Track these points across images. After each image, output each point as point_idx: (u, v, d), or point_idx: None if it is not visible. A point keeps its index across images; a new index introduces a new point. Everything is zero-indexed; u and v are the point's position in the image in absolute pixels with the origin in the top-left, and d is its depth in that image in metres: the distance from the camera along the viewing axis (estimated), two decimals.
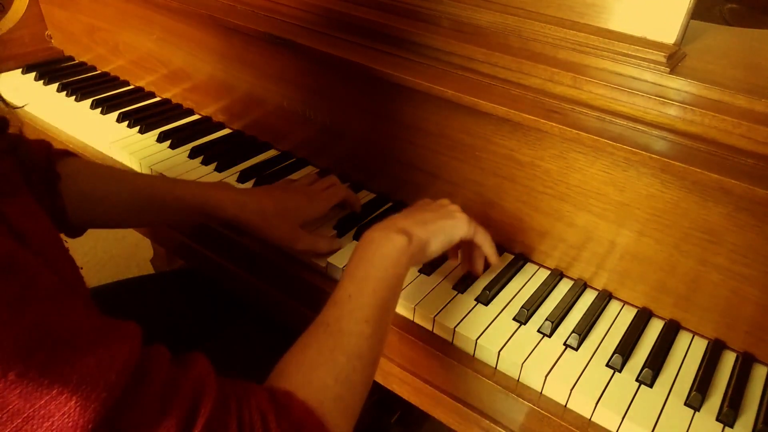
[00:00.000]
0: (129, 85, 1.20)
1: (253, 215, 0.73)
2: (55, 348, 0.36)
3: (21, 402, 0.34)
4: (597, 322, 0.70)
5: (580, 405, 0.61)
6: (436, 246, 0.64)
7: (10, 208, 0.43)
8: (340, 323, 0.54)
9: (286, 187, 0.82)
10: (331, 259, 0.75)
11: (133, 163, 0.95)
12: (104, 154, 1.00)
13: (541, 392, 0.63)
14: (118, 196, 0.74)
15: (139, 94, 1.16)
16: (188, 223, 0.84)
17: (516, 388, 0.63)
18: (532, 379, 0.63)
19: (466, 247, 0.73)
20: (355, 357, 0.52)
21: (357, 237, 0.79)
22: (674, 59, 0.69)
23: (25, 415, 0.34)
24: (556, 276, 0.76)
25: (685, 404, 0.61)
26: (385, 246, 0.59)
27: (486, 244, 0.70)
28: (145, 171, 0.93)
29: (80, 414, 0.35)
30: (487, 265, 0.76)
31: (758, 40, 0.90)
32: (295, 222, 0.75)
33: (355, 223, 0.82)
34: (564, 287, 0.74)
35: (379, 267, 0.58)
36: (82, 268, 0.51)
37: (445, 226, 0.65)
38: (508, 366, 0.64)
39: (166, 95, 1.14)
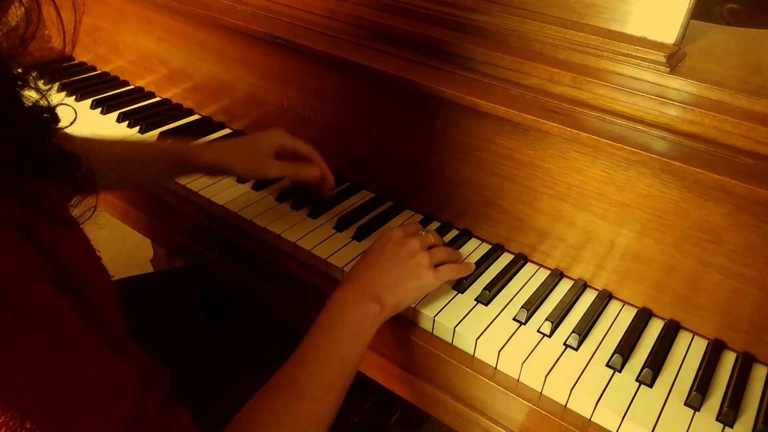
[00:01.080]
0: (129, 85, 1.19)
1: (225, 156, 0.78)
2: (67, 400, 0.37)
3: None
4: (597, 322, 0.70)
5: (580, 405, 0.61)
6: (403, 307, 0.67)
7: (63, 239, 0.44)
8: (307, 387, 0.55)
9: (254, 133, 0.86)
10: (331, 259, 0.75)
11: None
12: None
13: (541, 392, 0.63)
14: (108, 157, 0.77)
15: (139, 94, 1.16)
16: (166, 175, 0.86)
17: (516, 388, 0.63)
18: (532, 379, 0.63)
19: None
20: (314, 424, 0.54)
21: (357, 236, 0.79)
22: (674, 59, 0.69)
23: None
24: (556, 276, 0.76)
25: (685, 404, 0.61)
26: (360, 313, 0.62)
27: (454, 277, 0.72)
28: None
29: None
30: (487, 265, 0.77)
31: (758, 40, 0.90)
32: (265, 154, 0.79)
33: (354, 221, 0.82)
34: (564, 287, 0.74)
35: (351, 333, 0.60)
36: (113, 277, 0.52)
37: (415, 289, 0.67)
38: (508, 366, 0.64)
39: (166, 95, 1.14)
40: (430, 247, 0.71)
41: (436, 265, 0.69)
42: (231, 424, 0.52)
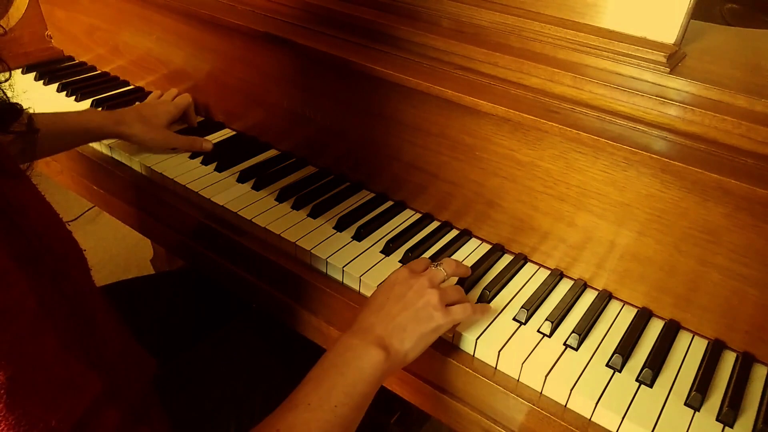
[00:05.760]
0: (129, 85, 1.19)
1: (125, 128, 0.92)
2: (18, 384, 0.36)
3: None
4: (597, 322, 0.70)
5: (580, 405, 0.61)
6: (414, 355, 0.60)
7: (15, 191, 0.43)
8: None
9: (143, 104, 1.02)
10: (331, 260, 0.75)
11: (133, 163, 0.95)
12: (104, 154, 0.99)
13: (541, 392, 0.63)
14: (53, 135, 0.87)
15: (139, 94, 1.16)
16: (81, 143, 0.97)
17: (516, 388, 0.63)
18: (532, 379, 0.63)
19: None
20: None
21: (357, 236, 0.79)
22: (674, 59, 0.69)
23: None
24: (556, 276, 0.76)
25: (685, 404, 0.61)
26: (361, 359, 0.56)
27: (467, 317, 0.65)
28: (145, 171, 0.93)
29: None
30: (488, 265, 0.77)
31: (758, 40, 0.90)
32: (162, 125, 0.96)
33: (354, 221, 0.82)
34: (564, 287, 0.74)
35: (349, 381, 0.54)
36: (85, 250, 0.51)
37: (425, 333, 0.60)
38: (508, 366, 0.64)
39: None
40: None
41: (450, 305, 0.63)
42: None
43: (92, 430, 0.40)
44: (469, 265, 0.76)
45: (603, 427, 0.60)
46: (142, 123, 0.93)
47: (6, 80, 0.46)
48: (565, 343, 0.66)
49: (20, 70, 1.22)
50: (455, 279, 0.72)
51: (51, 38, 1.32)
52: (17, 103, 0.47)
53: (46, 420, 0.37)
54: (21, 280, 0.38)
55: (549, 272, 0.77)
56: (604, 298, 0.73)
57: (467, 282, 0.73)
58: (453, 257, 0.78)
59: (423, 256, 0.78)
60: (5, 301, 0.36)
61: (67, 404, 0.39)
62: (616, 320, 0.70)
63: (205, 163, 0.94)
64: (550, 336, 0.67)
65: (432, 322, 0.61)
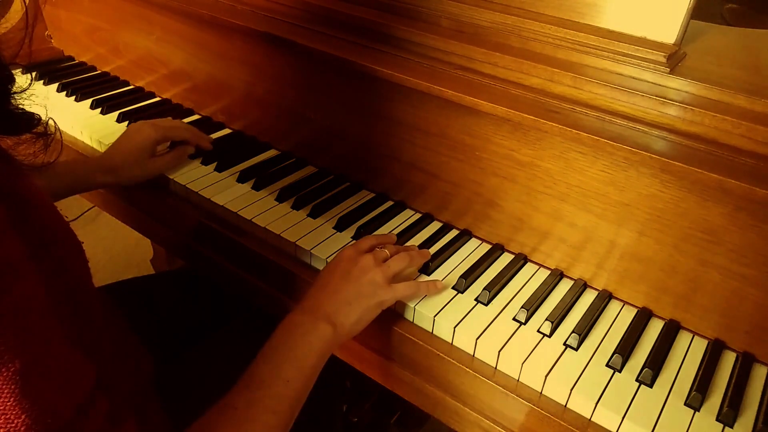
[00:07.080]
0: (129, 85, 1.20)
1: (113, 174, 0.86)
2: (30, 371, 0.37)
3: None
4: (597, 322, 0.70)
5: (580, 405, 0.61)
6: (359, 327, 0.64)
7: (22, 185, 0.44)
8: (248, 411, 0.53)
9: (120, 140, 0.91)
10: (330, 260, 0.75)
11: None
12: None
13: (541, 392, 0.63)
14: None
15: (139, 94, 1.16)
16: (71, 193, 0.91)
17: (516, 388, 0.63)
18: (532, 379, 0.63)
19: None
20: None
21: (357, 236, 0.79)
22: (674, 59, 0.69)
23: None
24: (556, 276, 0.76)
25: (685, 404, 0.61)
26: (310, 335, 0.59)
27: (411, 293, 0.68)
28: None
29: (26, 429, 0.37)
30: (487, 265, 0.77)
31: (758, 40, 0.90)
32: (149, 156, 0.88)
33: (354, 221, 0.82)
34: (564, 287, 0.74)
35: (299, 356, 0.58)
36: (83, 242, 0.52)
37: (371, 308, 0.64)
38: (508, 366, 0.64)
39: (166, 95, 1.14)
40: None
41: (397, 278, 0.67)
42: None
43: (89, 416, 0.42)
44: (469, 265, 0.76)
45: (603, 427, 0.60)
46: (125, 162, 0.86)
47: (23, 90, 0.47)
48: (565, 343, 0.66)
49: (20, 70, 1.22)
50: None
51: (51, 38, 1.32)
52: (34, 113, 0.48)
53: (55, 404, 0.39)
54: (32, 272, 0.40)
55: (549, 272, 0.77)
56: (604, 298, 0.73)
57: (468, 279, 0.73)
58: (453, 257, 0.78)
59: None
60: (19, 293, 0.38)
61: (72, 390, 0.41)
62: (616, 320, 0.70)
63: (205, 163, 0.94)
64: (550, 336, 0.67)
65: (375, 297, 0.64)
